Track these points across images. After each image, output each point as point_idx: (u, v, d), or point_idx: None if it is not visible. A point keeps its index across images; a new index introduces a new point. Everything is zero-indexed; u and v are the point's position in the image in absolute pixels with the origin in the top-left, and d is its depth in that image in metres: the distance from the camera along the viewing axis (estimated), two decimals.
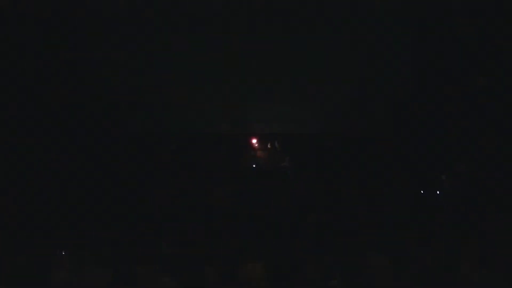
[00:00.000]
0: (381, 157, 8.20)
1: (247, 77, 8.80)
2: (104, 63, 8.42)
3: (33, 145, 7.75)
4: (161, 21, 8.74)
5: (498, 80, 7.95)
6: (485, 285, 5.65)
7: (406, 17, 8.46)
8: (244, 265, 6.78)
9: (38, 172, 7.69)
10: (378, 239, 7.39)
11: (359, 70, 8.68)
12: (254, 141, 8.78)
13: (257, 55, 8.81)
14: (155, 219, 7.62)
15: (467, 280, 5.96)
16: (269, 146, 8.82)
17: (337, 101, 8.70)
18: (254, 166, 8.62)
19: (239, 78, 8.77)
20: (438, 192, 8.15)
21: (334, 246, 7.36)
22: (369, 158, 8.22)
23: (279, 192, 8.16)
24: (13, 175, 7.51)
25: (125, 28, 8.63)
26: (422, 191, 8.16)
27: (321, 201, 8.03)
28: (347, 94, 8.70)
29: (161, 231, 7.48)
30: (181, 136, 8.61)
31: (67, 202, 7.62)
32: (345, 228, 7.74)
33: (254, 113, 8.74)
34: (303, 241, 7.52)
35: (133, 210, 7.74)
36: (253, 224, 7.66)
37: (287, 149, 8.66)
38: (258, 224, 7.66)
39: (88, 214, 7.54)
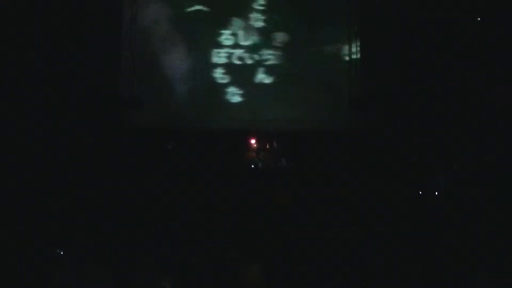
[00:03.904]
0: (380, 155, 8.24)
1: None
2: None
3: (33, 142, 7.74)
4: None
5: (496, 79, 7.99)
6: (485, 285, 5.67)
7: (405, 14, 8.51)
8: (244, 265, 6.75)
9: (37, 171, 7.68)
10: (377, 239, 7.41)
11: (357, 68, 8.73)
12: (253, 140, 8.80)
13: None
14: (155, 219, 7.61)
15: (466, 280, 5.98)
16: (267, 145, 8.84)
17: (335, 100, 8.74)
18: (253, 165, 8.63)
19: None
20: (436, 192, 8.21)
21: (333, 246, 7.37)
22: (368, 156, 8.27)
23: (278, 191, 8.17)
24: (13, 174, 7.50)
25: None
26: (420, 191, 8.21)
27: (320, 200, 8.03)
28: (345, 93, 8.74)
29: (161, 231, 7.48)
30: (180, 135, 8.62)
31: (67, 202, 7.61)
32: (343, 227, 7.75)
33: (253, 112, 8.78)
34: (302, 241, 7.53)
35: (133, 209, 7.73)
36: (253, 224, 7.67)
37: (286, 148, 8.68)
38: (258, 224, 7.67)
39: (88, 214, 7.54)
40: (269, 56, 8.81)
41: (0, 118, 7.60)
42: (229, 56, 8.84)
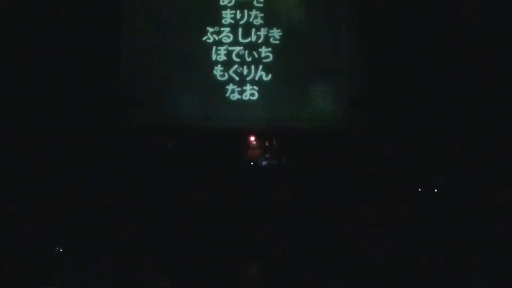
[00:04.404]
0: (380, 155, 8.24)
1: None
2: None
3: (32, 142, 7.74)
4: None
5: (496, 79, 7.99)
6: (485, 285, 5.68)
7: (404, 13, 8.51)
8: (244, 265, 6.75)
9: (37, 170, 7.67)
10: (378, 238, 7.41)
11: (357, 68, 8.72)
12: (252, 138, 8.79)
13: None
14: (155, 219, 7.62)
15: (466, 280, 5.99)
16: (267, 145, 8.85)
17: (335, 100, 8.73)
18: (252, 164, 8.63)
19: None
20: (435, 191, 8.22)
21: (333, 246, 7.37)
22: (367, 156, 8.27)
23: (278, 191, 8.17)
24: (13, 173, 7.50)
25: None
26: (419, 190, 8.22)
27: (320, 200, 8.04)
28: (345, 93, 8.73)
29: (161, 231, 7.49)
30: (179, 134, 8.62)
31: (66, 201, 7.61)
32: (343, 227, 7.76)
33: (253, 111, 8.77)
34: (303, 240, 7.54)
35: (132, 209, 7.74)
36: (253, 224, 7.67)
37: (286, 148, 8.68)
38: (258, 224, 7.68)
39: (88, 214, 7.54)
40: (269, 53, 8.78)
41: (0, 118, 7.61)
42: (229, 54, 8.81)
